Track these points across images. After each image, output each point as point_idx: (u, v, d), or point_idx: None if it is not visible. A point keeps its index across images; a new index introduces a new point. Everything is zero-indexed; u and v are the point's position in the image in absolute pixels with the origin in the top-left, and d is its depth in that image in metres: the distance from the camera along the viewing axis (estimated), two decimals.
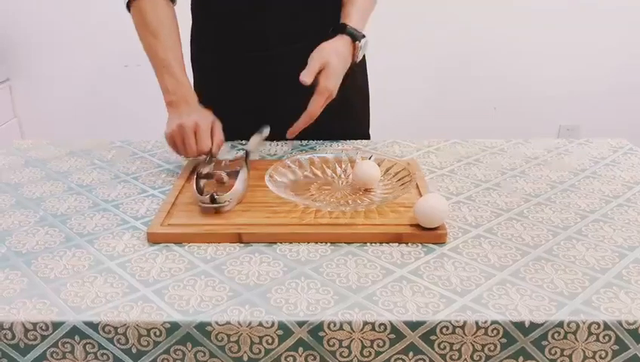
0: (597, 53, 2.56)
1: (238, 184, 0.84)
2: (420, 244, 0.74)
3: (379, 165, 0.89)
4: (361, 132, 1.23)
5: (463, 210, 0.84)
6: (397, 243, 0.74)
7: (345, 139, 1.13)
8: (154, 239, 0.75)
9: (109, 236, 0.77)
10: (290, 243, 0.75)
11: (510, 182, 0.93)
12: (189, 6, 1.16)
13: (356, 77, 1.17)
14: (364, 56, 1.17)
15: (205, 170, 0.90)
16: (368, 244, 0.74)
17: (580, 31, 2.53)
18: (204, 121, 0.96)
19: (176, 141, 0.95)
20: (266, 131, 1.03)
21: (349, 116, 1.16)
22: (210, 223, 0.78)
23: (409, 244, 0.74)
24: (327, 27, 1.02)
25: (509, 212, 0.83)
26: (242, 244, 0.74)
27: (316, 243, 0.75)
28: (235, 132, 1.07)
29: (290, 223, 0.78)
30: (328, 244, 0.74)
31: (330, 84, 0.95)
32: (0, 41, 2.57)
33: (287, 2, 1.08)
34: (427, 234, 0.75)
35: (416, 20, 2.46)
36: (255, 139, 1.01)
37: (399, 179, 0.87)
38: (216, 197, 0.79)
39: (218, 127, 0.98)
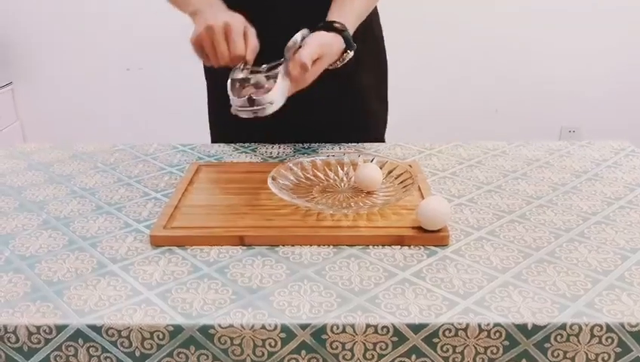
0: (598, 54, 2.57)
1: (279, 86, 0.75)
2: (422, 247, 0.74)
3: (381, 167, 0.89)
4: (378, 136, 1.21)
5: (465, 212, 0.84)
6: (399, 246, 0.74)
7: (360, 141, 1.12)
8: (157, 242, 0.75)
9: (112, 239, 0.77)
10: (293, 245, 0.75)
11: (512, 185, 0.93)
12: None
13: (373, 78, 1.16)
14: (386, 59, 1.15)
15: (240, 75, 0.81)
16: (371, 247, 0.74)
17: (581, 32, 2.54)
18: (236, 21, 0.86)
19: (205, 45, 0.85)
20: (306, 32, 0.92)
21: (366, 118, 1.15)
22: (213, 226, 0.78)
23: (411, 247, 0.74)
24: None
25: (511, 214, 0.83)
26: (245, 247, 0.75)
27: (319, 245, 0.75)
28: (245, 131, 1.06)
29: (292, 226, 0.78)
30: (331, 247, 0.74)
31: (310, 78, 0.89)
32: (2, 44, 2.58)
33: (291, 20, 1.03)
34: (429, 236, 0.75)
35: (416, 22, 2.47)
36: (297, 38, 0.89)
37: (401, 182, 0.87)
38: (255, 98, 0.72)
39: (251, 31, 0.88)
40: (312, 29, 0.92)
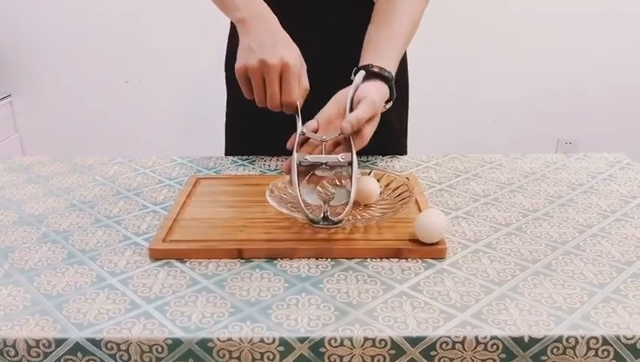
0: (595, 67, 2.59)
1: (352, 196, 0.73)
2: (419, 260, 0.75)
3: (378, 180, 0.90)
4: (399, 149, 1.19)
5: (462, 224, 0.84)
6: (397, 259, 0.75)
7: (381, 154, 1.11)
8: (155, 255, 0.76)
9: (111, 252, 0.77)
10: (291, 258, 0.75)
11: (508, 197, 0.94)
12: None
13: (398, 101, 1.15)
14: (407, 69, 1.13)
15: (301, 162, 0.76)
16: (368, 260, 0.75)
17: (578, 45, 2.56)
18: (294, 60, 0.78)
19: (254, 80, 0.79)
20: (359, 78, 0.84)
21: (385, 132, 1.13)
22: (211, 239, 0.78)
23: (409, 260, 0.75)
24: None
25: (508, 227, 0.84)
26: (243, 260, 0.75)
27: (316, 258, 0.75)
28: (263, 142, 1.05)
29: (290, 239, 0.78)
30: (328, 260, 0.75)
31: (368, 136, 0.81)
32: (1, 57, 2.59)
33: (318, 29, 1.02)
34: (427, 249, 0.75)
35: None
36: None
37: (399, 195, 0.88)
38: (330, 217, 0.73)
39: (304, 70, 0.81)
40: (362, 69, 0.85)
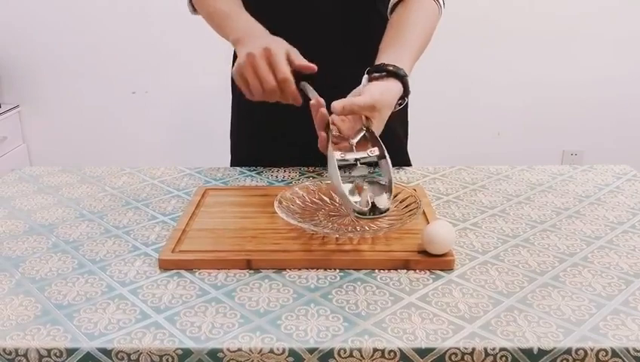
0: (601, 78, 2.59)
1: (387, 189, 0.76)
2: (427, 271, 0.75)
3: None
4: (402, 154, 1.20)
5: (469, 236, 0.85)
6: (405, 270, 0.75)
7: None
8: (165, 265, 0.76)
9: (120, 262, 0.78)
10: (299, 269, 0.76)
11: (516, 209, 0.94)
12: None
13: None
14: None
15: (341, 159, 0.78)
16: (376, 271, 0.75)
17: (583, 57, 2.57)
18: (277, 45, 0.83)
19: (247, 74, 0.83)
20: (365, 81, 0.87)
21: (390, 139, 1.13)
22: (220, 249, 0.79)
23: (417, 271, 0.75)
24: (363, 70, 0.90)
25: (515, 238, 0.84)
26: (252, 271, 0.75)
27: (325, 269, 0.76)
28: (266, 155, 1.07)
29: (298, 250, 0.79)
30: (337, 271, 0.75)
31: (378, 125, 0.84)
32: (9, 67, 2.62)
33: (327, 36, 1.05)
34: (435, 260, 0.76)
35: None
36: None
37: (406, 206, 0.88)
38: (378, 206, 0.73)
39: (294, 51, 0.85)
40: (374, 69, 0.87)
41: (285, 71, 0.82)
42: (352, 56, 1.07)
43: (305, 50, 1.00)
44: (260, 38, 0.87)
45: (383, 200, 0.75)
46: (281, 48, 0.84)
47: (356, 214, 0.74)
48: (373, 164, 0.82)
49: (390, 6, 1.02)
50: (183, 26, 2.56)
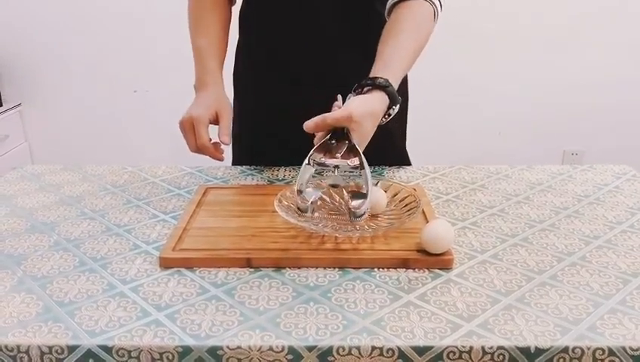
0: (601, 78, 2.59)
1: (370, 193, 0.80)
2: (426, 270, 0.75)
3: (385, 191, 0.90)
4: (399, 153, 1.22)
5: (468, 235, 0.85)
6: (404, 269, 0.76)
7: (382, 163, 1.13)
8: (166, 264, 0.77)
9: (121, 260, 0.79)
10: (299, 268, 0.76)
11: (515, 208, 0.94)
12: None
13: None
14: (407, 81, 1.15)
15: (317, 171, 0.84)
16: (376, 270, 0.76)
17: (585, 57, 2.57)
18: (198, 113, 0.95)
19: (182, 132, 0.98)
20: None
21: (387, 141, 1.10)
22: (220, 248, 0.79)
23: (416, 270, 0.75)
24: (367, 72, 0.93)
25: (514, 238, 0.84)
26: (252, 269, 0.76)
27: (324, 268, 0.76)
28: (261, 154, 1.10)
29: (298, 248, 0.79)
30: (336, 269, 0.76)
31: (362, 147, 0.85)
32: (11, 66, 2.62)
33: (326, 42, 1.08)
34: (434, 259, 0.76)
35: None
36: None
37: (406, 205, 0.89)
38: (355, 211, 0.79)
39: (226, 116, 0.98)
40: (358, 85, 0.90)
41: (202, 139, 0.95)
42: (352, 56, 1.08)
43: (305, 50, 1.01)
44: (201, 98, 1.00)
45: (359, 204, 0.80)
46: (204, 117, 0.96)
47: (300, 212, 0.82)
48: (350, 175, 0.86)
49: (388, 7, 1.03)
50: (183, 25, 2.56)
